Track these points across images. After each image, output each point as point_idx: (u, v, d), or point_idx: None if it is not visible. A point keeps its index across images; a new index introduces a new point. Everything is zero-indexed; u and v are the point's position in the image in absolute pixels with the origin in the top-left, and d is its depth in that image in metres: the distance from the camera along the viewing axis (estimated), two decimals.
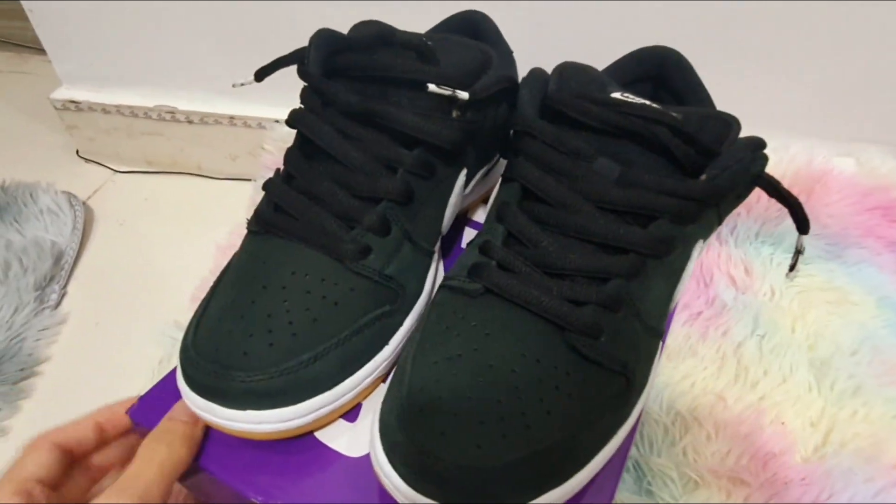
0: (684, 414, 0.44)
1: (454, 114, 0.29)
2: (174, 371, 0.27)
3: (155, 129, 0.66)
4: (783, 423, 0.43)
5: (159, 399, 0.28)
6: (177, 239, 0.60)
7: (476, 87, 0.29)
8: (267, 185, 0.29)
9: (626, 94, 0.27)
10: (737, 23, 0.52)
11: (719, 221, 0.28)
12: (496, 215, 0.27)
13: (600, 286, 0.24)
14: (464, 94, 0.28)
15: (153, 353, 0.47)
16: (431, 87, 0.27)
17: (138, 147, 0.68)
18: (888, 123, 0.56)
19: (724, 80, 0.56)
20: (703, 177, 0.24)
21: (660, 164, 0.26)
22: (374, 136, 0.28)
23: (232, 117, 0.64)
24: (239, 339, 0.25)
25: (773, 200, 0.59)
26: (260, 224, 0.28)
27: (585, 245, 0.25)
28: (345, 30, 0.32)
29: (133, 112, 0.65)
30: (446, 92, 0.28)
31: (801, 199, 0.54)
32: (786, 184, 0.54)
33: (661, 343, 0.29)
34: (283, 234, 0.27)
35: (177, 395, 0.26)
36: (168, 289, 0.55)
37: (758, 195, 0.56)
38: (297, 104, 0.52)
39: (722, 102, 0.55)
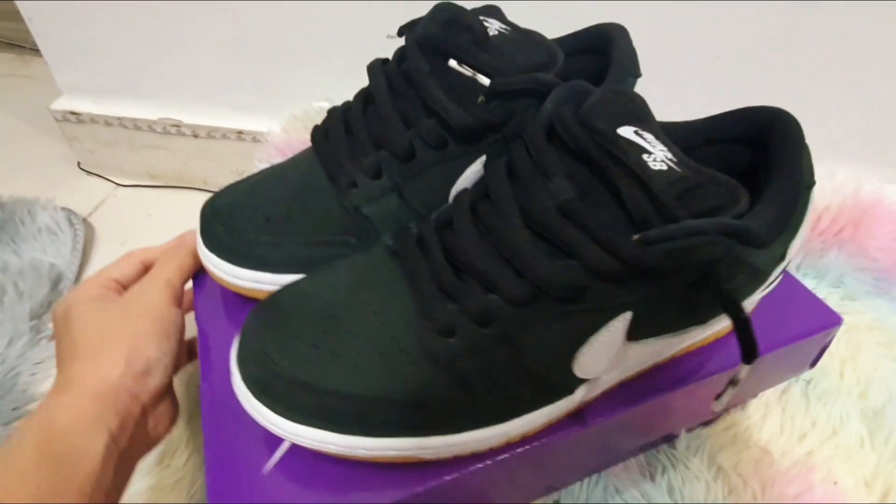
0: (727, 469, 0.41)
1: (479, 99, 0.30)
2: None
3: (159, 143, 0.63)
4: (835, 483, 0.40)
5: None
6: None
7: (501, 80, 0.29)
8: (330, 111, 0.34)
9: (642, 134, 0.24)
10: (782, 41, 0.49)
11: (663, 306, 0.24)
12: (455, 196, 0.28)
13: (479, 294, 0.24)
14: (484, 79, 0.29)
15: None
16: (452, 62, 0.29)
17: (141, 160, 0.65)
18: None
19: (767, 101, 0.53)
20: (636, 237, 0.21)
21: (615, 209, 0.23)
22: (411, 97, 0.31)
23: (240, 132, 0.60)
24: (241, 209, 0.32)
25: (816, 231, 0.55)
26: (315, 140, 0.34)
27: (493, 253, 0.24)
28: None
29: (136, 124, 0.62)
30: (467, 72, 0.29)
31: (848, 231, 0.52)
32: (830, 215, 0.52)
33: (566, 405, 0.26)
34: (318, 151, 0.33)
35: None
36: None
37: None
38: (303, 123, 0.50)
39: None
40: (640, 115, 0.24)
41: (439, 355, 0.24)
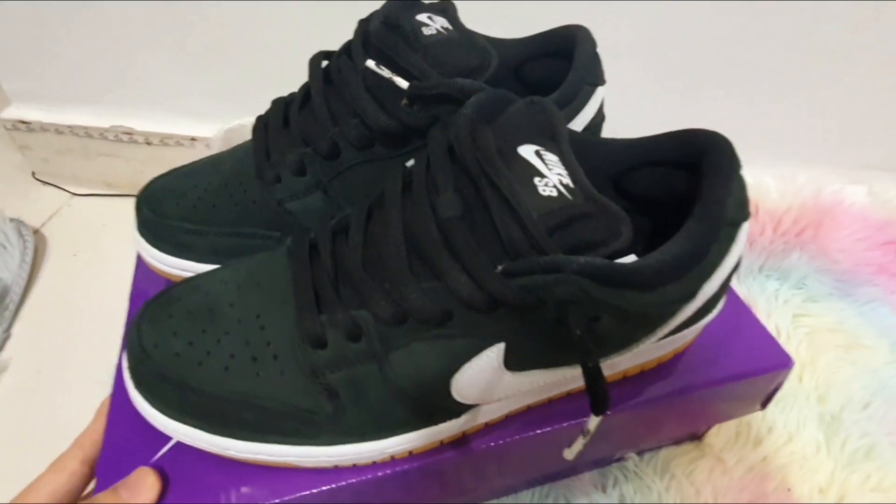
0: (680, 478, 0.40)
1: (402, 102, 0.29)
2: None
3: (112, 151, 0.61)
4: (789, 490, 0.40)
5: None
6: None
7: (420, 84, 0.28)
8: (274, 102, 0.34)
9: (543, 155, 0.22)
10: (743, 45, 0.48)
11: (534, 340, 0.23)
12: (360, 202, 0.27)
13: (351, 308, 0.23)
14: (402, 82, 0.28)
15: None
16: (370, 63, 0.29)
17: (96, 169, 0.64)
18: None
19: (728, 104, 0.52)
20: (500, 268, 0.21)
21: (494, 234, 0.21)
22: (341, 96, 0.31)
23: (193, 138, 0.59)
24: (172, 194, 0.33)
25: (777, 232, 0.54)
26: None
27: (372, 266, 0.23)
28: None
29: (87, 132, 0.60)
30: (384, 73, 0.28)
31: (809, 233, 0.51)
32: (792, 216, 0.52)
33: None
34: (254, 141, 0.33)
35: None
36: (124, 327, 0.51)
37: (761, 226, 0.52)
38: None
39: (725, 127, 0.51)
40: (553, 131, 0.23)
41: (308, 365, 0.23)
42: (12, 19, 0.55)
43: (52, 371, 0.48)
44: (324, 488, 0.25)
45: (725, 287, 0.25)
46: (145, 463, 0.26)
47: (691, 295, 0.22)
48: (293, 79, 0.55)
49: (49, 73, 0.59)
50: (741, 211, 0.22)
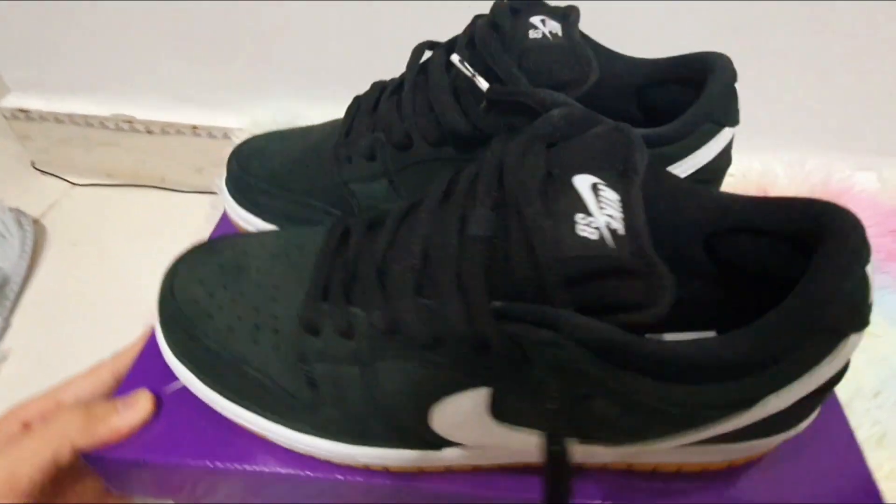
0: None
1: (482, 105, 0.28)
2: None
3: (112, 140, 0.61)
4: None
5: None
6: (136, 258, 0.55)
7: (500, 87, 0.27)
8: (374, 84, 0.34)
9: (600, 190, 0.19)
10: (752, 29, 0.47)
11: (525, 396, 0.20)
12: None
13: (353, 306, 0.22)
14: (483, 84, 0.27)
15: None
16: (454, 57, 0.28)
17: (96, 159, 0.63)
18: None
19: (738, 89, 0.52)
20: (494, 304, 0.19)
21: (507, 267, 0.19)
22: (427, 89, 0.30)
23: (195, 127, 0.58)
24: (259, 155, 0.34)
25: None
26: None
27: (391, 269, 0.22)
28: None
29: (88, 121, 0.60)
30: (467, 72, 0.28)
31: None
32: None
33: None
34: (343, 119, 0.33)
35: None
36: (124, 317, 0.50)
37: None
38: (262, 114, 0.50)
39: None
40: (626, 166, 0.20)
41: (299, 349, 0.23)
42: (12, 9, 0.55)
43: (52, 361, 0.48)
44: (299, 473, 0.25)
45: (814, 403, 0.21)
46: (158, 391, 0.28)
47: (745, 404, 0.18)
48: (294, 70, 0.55)
49: (49, 61, 0.58)
50: (853, 318, 0.17)
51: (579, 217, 0.18)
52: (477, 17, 0.31)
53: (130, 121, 0.59)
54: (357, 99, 0.34)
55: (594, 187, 0.19)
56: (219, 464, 0.25)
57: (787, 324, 0.17)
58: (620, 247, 0.18)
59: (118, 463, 0.26)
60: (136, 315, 0.48)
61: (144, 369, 0.29)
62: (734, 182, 0.54)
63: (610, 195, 0.19)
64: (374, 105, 0.32)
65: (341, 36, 0.52)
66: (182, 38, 0.55)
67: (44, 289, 0.54)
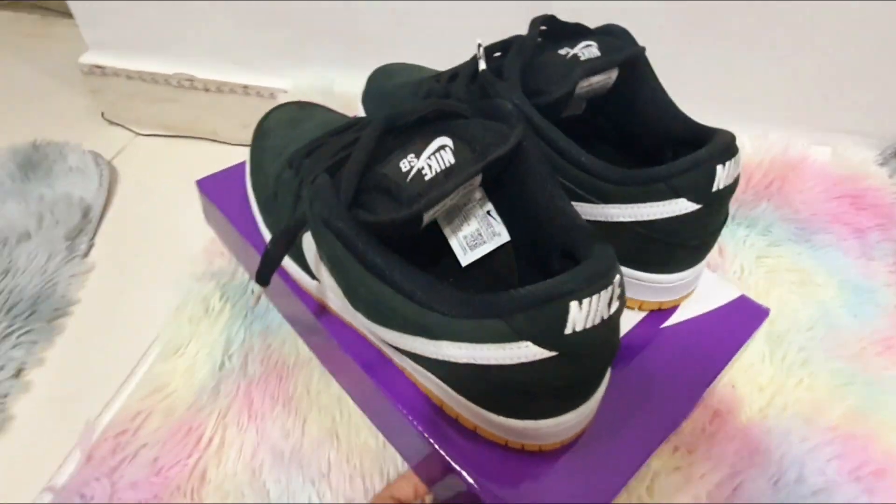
0: None
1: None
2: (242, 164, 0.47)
3: (173, 96, 0.70)
4: (733, 387, 0.48)
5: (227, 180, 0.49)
6: (188, 198, 0.65)
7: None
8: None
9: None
10: (722, 10, 0.55)
11: None
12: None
13: (303, 173, 0.34)
14: (482, 65, 0.37)
15: (170, 298, 0.52)
16: (479, 41, 0.37)
17: (158, 112, 0.73)
18: (865, 115, 0.59)
19: (707, 68, 0.60)
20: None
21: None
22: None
23: (245, 86, 0.68)
24: (393, 72, 0.48)
25: (749, 184, 0.62)
26: None
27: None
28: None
29: (154, 78, 0.69)
30: (479, 56, 0.37)
31: (776, 185, 0.59)
32: (762, 171, 0.59)
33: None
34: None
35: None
36: (183, 242, 0.60)
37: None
38: (303, 78, 0.60)
39: (705, 89, 0.59)
40: (484, 151, 0.29)
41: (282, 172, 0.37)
42: None
43: (128, 271, 0.58)
44: None
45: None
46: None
47: None
48: (331, 42, 0.63)
49: (123, 24, 0.67)
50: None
51: (411, 156, 0.26)
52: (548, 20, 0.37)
53: (191, 79, 0.68)
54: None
55: (442, 146, 0.27)
56: None
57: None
58: (412, 184, 0.26)
59: None
60: (188, 238, 0.58)
61: None
62: None
63: (447, 157, 0.27)
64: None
65: (372, 11, 0.61)
66: (238, 8, 0.64)
67: (118, 216, 0.64)
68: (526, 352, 0.24)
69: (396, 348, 0.29)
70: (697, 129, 0.35)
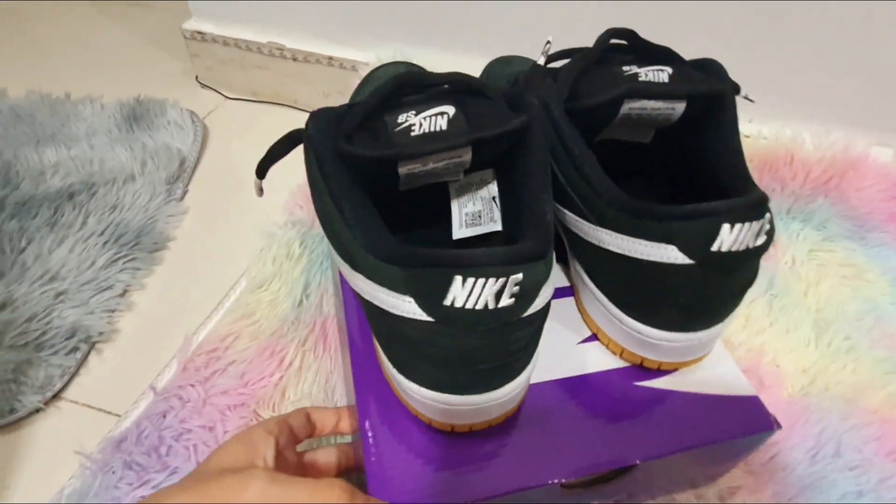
0: None
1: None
2: None
3: (263, 64, 0.76)
4: (778, 366, 0.50)
5: None
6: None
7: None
8: None
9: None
10: (793, 9, 0.57)
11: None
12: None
13: None
14: (541, 60, 0.38)
15: (254, 242, 0.57)
16: (549, 38, 0.38)
17: (247, 78, 0.79)
18: None
19: (774, 66, 0.61)
20: None
21: None
22: None
23: (330, 58, 0.73)
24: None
25: (808, 179, 0.63)
26: None
27: None
28: None
29: (248, 46, 0.75)
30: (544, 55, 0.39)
31: (834, 182, 0.61)
32: (822, 167, 0.61)
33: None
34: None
35: None
36: (266, 195, 0.66)
37: (794, 173, 0.61)
38: (384, 52, 0.63)
39: (768, 85, 0.61)
40: (478, 124, 0.29)
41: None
42: None
43: (218, 215, 0.64)
44: None
45: None
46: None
47: None
48: (410, 20, 0.68)
49: None
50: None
51: (412, 112, 0.28)
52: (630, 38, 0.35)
53: (281, 48, 0.74)
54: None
55: (441, 112, 0.28)
56: None
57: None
58: (398, 135, 0.27)
59: None
60: (270, 191, 0.63)
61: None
62: (766, 144, 0.64)
63: (441, 122, 0.27)
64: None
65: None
66: None
67: (208, 168, 0.70)
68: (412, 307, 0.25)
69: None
70: (743, 183, 0.30)
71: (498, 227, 0.32)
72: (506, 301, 0.24)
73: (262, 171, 0.34)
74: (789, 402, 0.47)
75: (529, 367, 0.28)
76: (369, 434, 0.31)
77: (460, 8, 0.66)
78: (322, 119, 0.29)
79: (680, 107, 0.31)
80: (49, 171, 0.64)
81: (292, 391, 0.47)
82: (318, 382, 0.47)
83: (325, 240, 0.57)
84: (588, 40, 0.35)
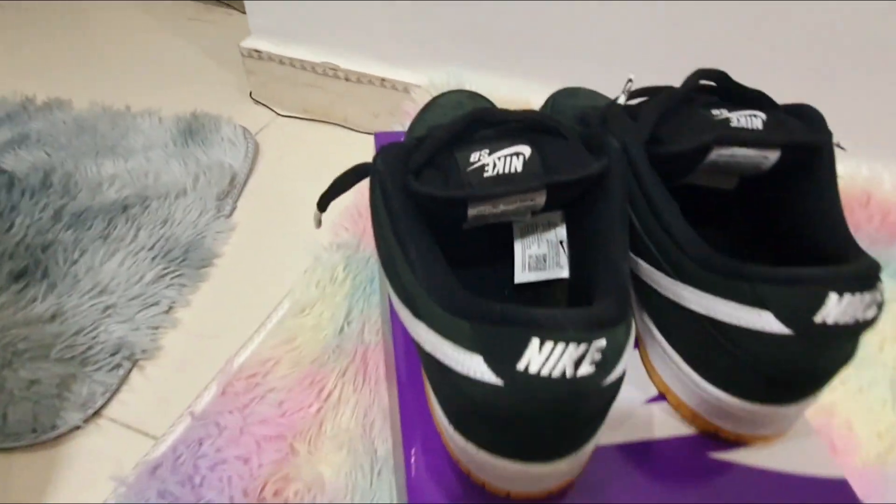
0: None
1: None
2: None
3: (316, 83, 0.77)
4: (850, 429, 0.46)
5: None
6: (322, 176, 0.71)
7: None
8: None
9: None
10: (874, 45, 0.53)
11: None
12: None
13: None
14: (620, 100, 0.36)
15: (300, 262, 0.57)
16: (631, 75, 0.35)
17: (299, 96, 0.80)
18: None
19: (850, 100, 0.58)
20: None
21: None
22: None
23: (383, 79, 0.73)
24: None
25: (885, 222, 0.59)
26: None
27: None
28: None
29: (302, 65, 0.76)
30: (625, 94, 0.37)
31: None
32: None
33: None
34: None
35: None
36: (309, 209, 0.66)
37: (870, 215, 0.57)
38: (437, 76, 0.62)
39: (851, 121, 0.57)
40: (548, 167, 0.28)
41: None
42: None
43: (265, 233, 0.64)
44: None
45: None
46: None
47: None
48: (464, 44, 0.67)
49: (285, 14, 0.75)
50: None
51: (486, 150, 0.27)
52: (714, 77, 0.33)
53: (335, 68, 0.74)
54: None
55: (517, 153, 0.27)
56: None
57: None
58: (470, 175, 0.26)
59: None
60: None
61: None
62: (842, 184, 0.59)
63: (516, 163, 0.26)
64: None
65: (510, 12, 0.64)
66: (386, 7, 0.69)
67: (258, 185, 0.71)
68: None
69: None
70: (849, 249, 0.27)
71: (565, 273, 0.30)
72: (585, 369, 0.21)
73: (323, 204, 0.33)
74: (863, 469, 0.43)
75: (598, 435, 0.26)
76: (413, 481, 0.29)
77: (517, 32, 0.65)
78: (391, 154, 0.28)
79: (773, 156, 0.29)
80: (106, 182, 0.65)
81: (329, 425, 0.46)
82: (357, 416, 0.46)
83: (373, 266, 0.56)
84: (654, 74, 0.33)
